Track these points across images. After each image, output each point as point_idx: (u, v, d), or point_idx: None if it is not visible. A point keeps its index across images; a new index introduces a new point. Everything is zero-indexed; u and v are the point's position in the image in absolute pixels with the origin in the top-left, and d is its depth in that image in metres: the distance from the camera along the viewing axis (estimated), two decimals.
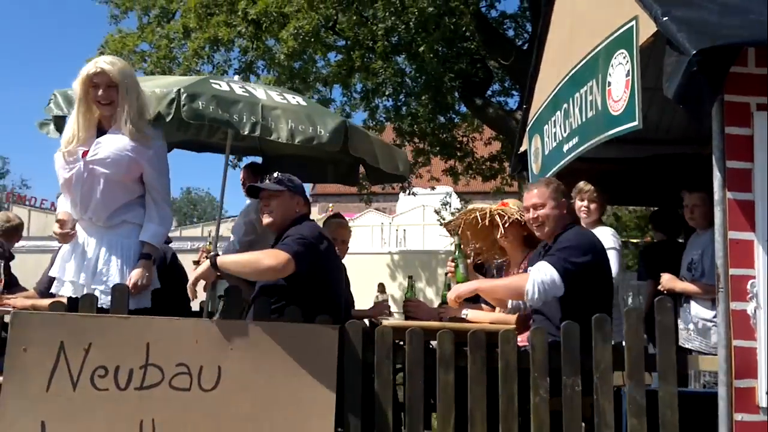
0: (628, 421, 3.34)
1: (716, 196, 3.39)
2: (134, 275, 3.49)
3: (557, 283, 3.50)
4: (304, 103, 4.16)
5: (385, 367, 3.38)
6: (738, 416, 3.27)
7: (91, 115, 3.57)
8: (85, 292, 3.46)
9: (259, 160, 5.67)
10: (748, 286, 3.33)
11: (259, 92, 4.17)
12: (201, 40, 12.60)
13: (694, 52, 3.13)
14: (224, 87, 4.11)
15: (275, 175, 3.67)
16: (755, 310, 3.32)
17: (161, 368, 3.31)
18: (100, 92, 3.51)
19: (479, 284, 3.79)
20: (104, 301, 3.52)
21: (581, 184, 4.99)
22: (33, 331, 3.31)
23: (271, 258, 3.34)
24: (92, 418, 3.26)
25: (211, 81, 4.18)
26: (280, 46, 12.13)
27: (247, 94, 4.10)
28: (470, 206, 4.54)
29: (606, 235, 4.56)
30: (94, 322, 3.37)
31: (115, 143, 3.55)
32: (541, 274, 3.51)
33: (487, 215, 4.09)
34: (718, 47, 3.13)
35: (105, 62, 3.55)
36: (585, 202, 4.85)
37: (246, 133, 3.91)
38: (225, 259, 3.40)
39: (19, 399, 3.25)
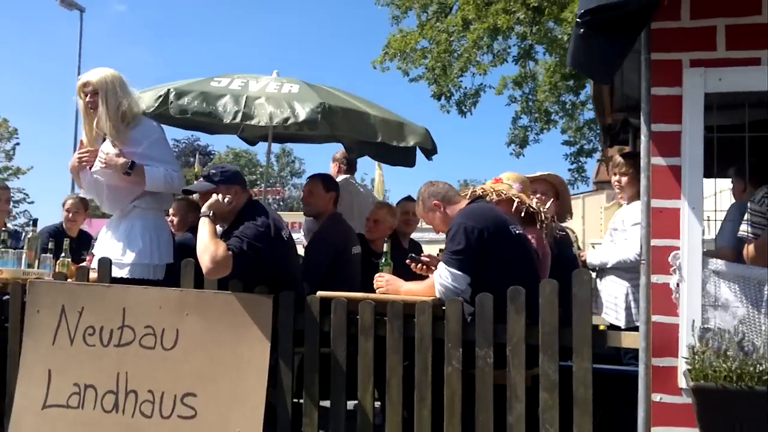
0: (540, 395, 3.21)
1: (642, 162, 3.10)
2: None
3: (459, 276, 3.36)
4: (295, 92, 4.39)
5: (312, 334, 3.57)
6: (657, 397, 2.98)
7: (92, 122, 4.06)
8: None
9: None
10: (671, 258, 3.03)
11: (255, 86, 4.45)
12: (480, 30, 12.35)
13: (581, 12, 2.90)
14: (221, 84, 4.47)
15: (206, 171, 3.95)
16: (678, 284, 3.01)
17: (133, 329, 3.78)
18: (87, 99, 3.99)
19: (404, 290, 3.64)
20: (125, 273, 4.11)
21: (616, 157, 4.65)
22: (43, 297, 3.95)
23: (212, 264, 3.45)
24: (84, 368, 3.81)
25: (213, 79, 4.57)
26: (563, 28, 11.49)
27: (238, 88, 4.38)
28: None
29: (635, 211, 4.26)
30: (85, 290, 3.92)
31: (107, 152, 3.99)
32: (440, 278, 3.40)
33: (476, 192, 4.05)
34: (604, 6, 2.86)
35: (89, 73, 3.99)
36: (617, 177, 4.52)
37: (228, 121, 4.23)
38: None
39: (34, 351, 3.91)
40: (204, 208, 3.67)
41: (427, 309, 3.32)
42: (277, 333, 3.53)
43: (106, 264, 3.87)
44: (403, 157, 5.58)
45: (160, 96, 4.27)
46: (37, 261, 4.38)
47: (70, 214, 5.57)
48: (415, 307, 3.33)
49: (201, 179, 3.93)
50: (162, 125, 4.31)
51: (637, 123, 4.35)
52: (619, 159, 4.53)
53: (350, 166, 6.01)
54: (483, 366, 3.23)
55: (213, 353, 3.60)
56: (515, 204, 3.77)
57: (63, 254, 4.39)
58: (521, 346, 3.18)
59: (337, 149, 6.11)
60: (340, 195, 5.52)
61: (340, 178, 5.96)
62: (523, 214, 3.87)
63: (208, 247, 3.52)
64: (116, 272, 4.04)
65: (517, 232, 3.53)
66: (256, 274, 3.59)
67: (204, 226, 3.59)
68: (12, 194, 6.20)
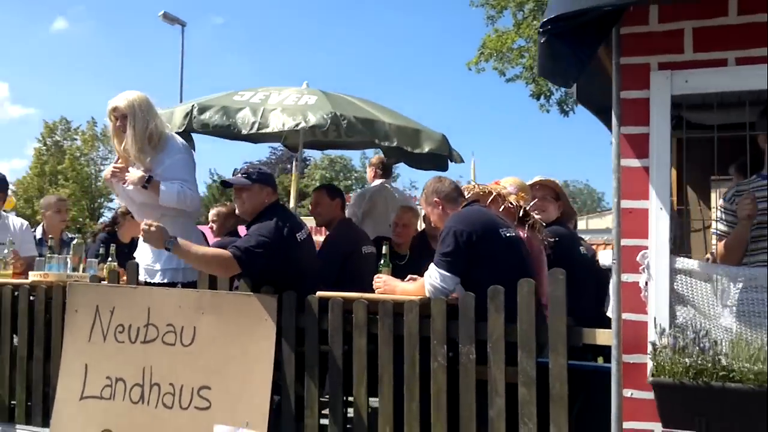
0: (519, 390, 3.32)
1: (612, 163, 3.17)
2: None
3: (448, 277, 3.48)
4: (311, 103, 4.61)
5: (312, 331, 3.79)
6: (627, 392, 3.05)
7: (122, 142, 4.33)
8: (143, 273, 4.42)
9: None
10: (639, 257, 3.08)
11: (275, 98, 4.69)
12: None
13: (543, 22, 3.01)
14: (243, 97, 4.74)
15: (245, 168, 4.22)
16: (646, 283, 3.07)
17: (157, 327, 4.10)
18: (117, 123, 4.33)
19: (399, 290, 3.76)
20: (158, 278, 4.47)
21: None
22: (80, 297, 4.33)
23: (216, 265, 3.80)
24: (114, 363, 4.16)
25: (237, 93, 4.85)
26: None
27: (258, 101, 4.65)
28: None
29: None
30: (116, 291, 4.27)
31: (134, 174, 4.32)
32: (430, 278, 3.52)
33: (473, 191, 4.19)
34: (564, 15, 2.96)
35: (117, 98, 4.29)
36: None
37: (246, 132, 4.52)
38: (182, 244, 3.82)
39: (72, 347, 4.29)
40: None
41: (414, 308, 3.49)
42: (281, 331, 3.78)
43: (133, 267, 4.21)
44: (436, 164, 5.74)
45: (186, 113, 4.60)
46: (82, 265, 4.78)
47: (120, 222, 6.00)
48: (404, 307, 3.51)
49: (239, 175, 4.21)
50: (193, 141, 4.64)
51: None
52: None
53: (386, 171, 6.21)
54: (466, 362, 3.37)
55: (225, 349, 3.88)
56: (499, 202, 3.90)
57: (110, 259, 4.78)
58: (501, 343, 3.31)
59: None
60: (375, 199, 5.74)
61: (375, 183, 6.18)
62: (519, 216, 4.00)
63: (208, 256, 3.86)
64: (151, 278, 4.39)
65: (508, 234, 3.64)
66: (267, 270, 3.86)
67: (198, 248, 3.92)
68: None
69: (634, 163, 3.10)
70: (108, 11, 70.05)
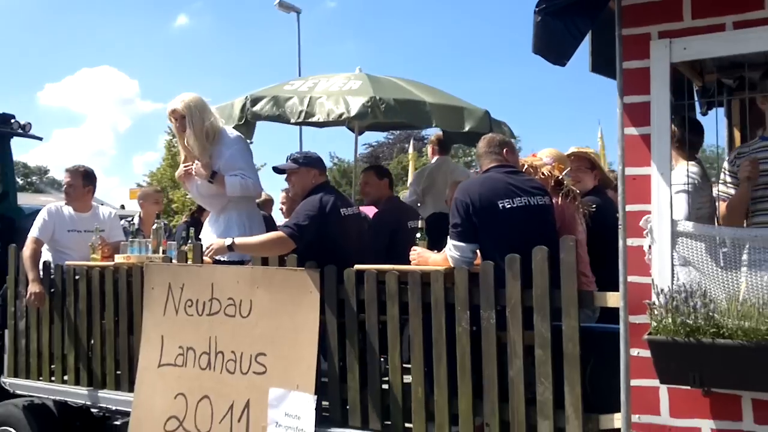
0: (535, 351, 3.49)
1: (617, 133, 3.28)
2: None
3: (462, 246, 3.67)
4: (355, 88, 4.88)
5: (350, 301, 4.09)
6: (634, 351, 3.18)
7: (183, 141, 4.82)
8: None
9: None
10: (642, 222, 3.19)
11: (323, 85, 5.00)
12: None
13: (538, 1, 3.15)
14: (293, 86, 5.06)
15: (293, 154, 4.56)
16: (650, 246, 3.17)
17: (219, 301, 4.52)
18: (177, 124, 4.78)
19: (431, 261, 3.94)
20: (225, 256, 4.91)
21: None
22: (155, 276, 4.82)
23: (275, 246, 4.24)
24: (185, 333, 4.62)
25: (288, 83, 5.18)
26: None
27: (306, 90, 4.97)
28: None
29: (677, 178, 4.33)
30: (184, 269, 4.73)
31: (200, 170, 4.79)
32: (448, 250, 3.73)
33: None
34: None
35: (175, 101, 4.74)
36: None
37: (294, 121, 4.85)
38: (239, 243, 4.34)
39: (150, 320, 4.79)
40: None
41: (440, 277, 3.73)
42: (324, 302, 4.12)
43: (198, 248, 4.66)
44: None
45: (242, 105, 5.00)
46: (162, 248, 5.29)
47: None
48: (430, 276, 3.77)
49: (289, 161, 4.60)
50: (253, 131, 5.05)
51: (729, 83, 4.35)
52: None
53: (443, 148, 6.44)
54: (487, 327, 3.58)
55: (277, 320, 4.25)
56: (531, 173, 4.06)
57: (189, 241, 5.28)
58: (518, 307, 3.49)
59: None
60: (434, 176, 5.98)
61: (434, 159, 6.42)
62: (552, 186, 4.16)
63: (263, 241, 4.36)
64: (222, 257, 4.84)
65: (508, 206, 3.74)
66: (314, 241, 4.22)
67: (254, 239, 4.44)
68: None
69: (636, 131, 3.21)
70: (226, 4, 73.04)
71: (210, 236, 4.87)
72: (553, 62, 3.27)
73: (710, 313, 2.81)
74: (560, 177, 4.14)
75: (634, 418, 3.14)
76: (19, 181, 50.91)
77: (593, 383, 3.36)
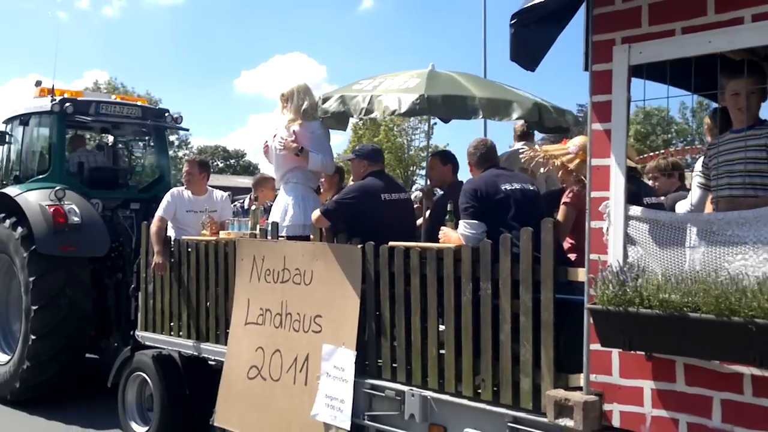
0: (519, 317, 4.03)
1: (588, 128, 3.75)
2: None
3: (476, 225, 4.31)
4: (411, 85, 5.50)
5: (383, 273, 4.78)
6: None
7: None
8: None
9: None
10: (602, 207, 3.63)
11: (387, 83, 5.67)
12: None
13: (512, 15, 3.68)
14: (361, 86, 5.77)
15: (357, 147, 5.34)
16: (607, 228, 3.62)
17: (289, 270, 5.39)
18: (282, 105, 5.79)
19: (454, 239, 4.53)
20: (284, 232, 5.80)
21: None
22: (244, 249, 5.79)
23: (317, 222, 5.14)
24: (264, 297, 5.54)
25: (358, 82, 5.91)
26: None
27: (370, 88, 5.66)
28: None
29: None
30: (264, 244, 5.64)
31: (285, 138, 5.79)
32: (460, 229, 4.38)
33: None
34: (523, 10, 3.60)
35: (284, 87, 5.81)
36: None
37: (357, 117, 5.58)
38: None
39: (240, 286, 5.78)
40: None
41: (450, 253, 4.36)
42: (365, 273, 4.89)
43: (274, 226, 5.60)
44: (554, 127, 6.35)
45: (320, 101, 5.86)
46: (259, 227, 6.29)
47: None
48: (443, 252, 4.42)
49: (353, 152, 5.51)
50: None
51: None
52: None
53: (523, 135, 6.96)
54: (484, 296, 4.18)
55: (330, 287, 5.07)
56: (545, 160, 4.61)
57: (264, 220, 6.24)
58: (508, 280, 4.07)
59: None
60: (510, 162, 6.55)
61: (516, 145, 6.96)
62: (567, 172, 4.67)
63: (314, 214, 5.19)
64: (282, 233, 5.76)
65: (508, 188, 4.45)
66: (353, 218, 5.03)
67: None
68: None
69: (601, 126, 3.68)
70: None
71: (276, 212, 5.81)
72: (525, 68, 3.81)
73: (638, 288, 3.27)
74: (571, 167, 4.61)
75: (592, 377, 3.64)
76: (219, 164, 55.81)
77: (566, 347, 3.88)
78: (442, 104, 5.28)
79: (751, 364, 3.02)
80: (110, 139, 10.94)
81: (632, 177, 4.94)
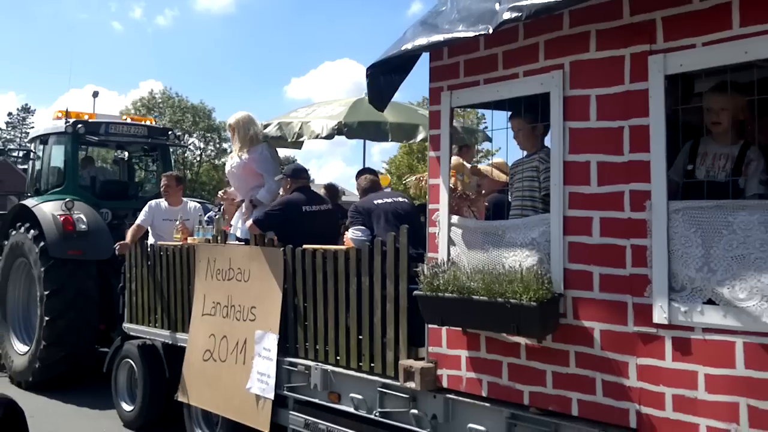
0: (386, 305, 5.18)
1: (428, 156, 4.88)
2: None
3: (357, 229, 5.57)
4: (335, 113, 6.67)
5: (299, 270, 5.97)
6: None
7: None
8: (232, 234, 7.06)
9: None
10: (434, 216, 4.76)
11: (317, 111, 6.86)
12: None
13: (368, 66, 4.84)
14: (297, 113, 6.97)
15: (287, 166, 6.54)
16: (438, 233, 4.75)
17: (233, 270, 6.64)
18: (232, 133, 6.99)
19: (348, 243, 5.86)
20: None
21: None
22: (201, 252, 7.02)
23: (251, 228, 6.27)
24: (216, 293, 6.76)
25: (295, 111, 7.10)
26: None
27: (302, 116, 6.83)
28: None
29: None
30: (215, 248, 6.88)
31: (235, 160, 7.03)
32: (351, 234, 5.60)
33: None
34: (377, 63, 4.76)
35: (230, 119, 6.98)
36: None
37: (290, 140, 6.78)
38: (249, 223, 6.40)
39: (198, 284, 7.02)
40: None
41: (342, 254, 5.56)
42: (285, 271, 6.10)
43: (223, 234, 6.86)
44: None
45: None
46: (222, 235, 7.54)
47: None
48: (334, 253, 5.61)
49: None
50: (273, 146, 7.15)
51: None
52: None
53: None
54: (364, 288, 5.36)
55: (262, 283, 6.29)
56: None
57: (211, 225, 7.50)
58: (378, 275, 5.23)
59: None
60: None
61: None
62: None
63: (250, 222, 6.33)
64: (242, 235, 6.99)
65: (380, 202, 5.61)
66: (281, 228, 6.22)
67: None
68: None
69: (434, 154, 4.83)
70: None
71: (237, 217, 7.05)
72: (378, 108, 4.98)
73: (445, 277, 4.40)
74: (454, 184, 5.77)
75: (430, 349, 4.78)
76: None
77: (420, 327, 5.01)
78: (357, 129, 6.46)
79: (512, 333, 4.12)
80: (125, 155, 12.37)
81: (503, 190, 6.06)
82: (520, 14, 3.80)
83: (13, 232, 10.47)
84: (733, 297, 3.32)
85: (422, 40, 4.38)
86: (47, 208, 10.00)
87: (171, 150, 12.39)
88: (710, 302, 3.44)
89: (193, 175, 52.45)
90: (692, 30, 3.52)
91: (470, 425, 4.47)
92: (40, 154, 11.55)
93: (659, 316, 3.57)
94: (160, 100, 56.00)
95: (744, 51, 3.35)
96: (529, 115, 4.43)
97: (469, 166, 6.36)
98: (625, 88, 3.76)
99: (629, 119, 3.73)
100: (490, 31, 3.93)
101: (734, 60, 3.41)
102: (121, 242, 7.96)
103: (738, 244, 3.34)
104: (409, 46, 4.46)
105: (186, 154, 51.25)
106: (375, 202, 5.59)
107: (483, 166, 6.15)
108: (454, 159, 5.99)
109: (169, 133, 11.73)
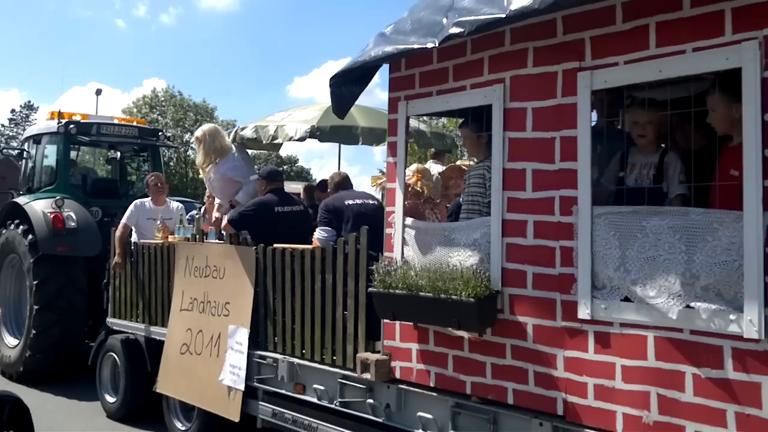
0: (348, 302, 5.52)
1: (385, 161, 5.23)
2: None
3: (323, 230, 5.89)
4: (308, 117, 7.00)
5: (270, 268, 6.32)
6: None
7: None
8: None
9: None
10: (390, 218, 5.10)
11: (293, 116, 7.21)
12: None
13: (330, 77, 5.19)
14: (274, 117, 7.32)
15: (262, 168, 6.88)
16: (393, 234, 5.09)
17: (210, 267, 6.97)
18: (197, 146, 7.37)
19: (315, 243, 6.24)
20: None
21: None
22: (180, 250, 7.37)
23: (223, 225, 6.64)
24: (193, 288, 7.09)
25: (271, 114, 7.45)
26: None
27: (278, 119, 7.18)
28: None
29: None
30: (193, 246, 7.22)
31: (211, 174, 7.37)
32: (317, 234, 5.89)
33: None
34: (339, 73, 5.10)
35: (197, 131, 7.35)
36: None
37: (265, 142, 7.12)
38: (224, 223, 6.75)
39: (178, 280, 7.36)
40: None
41: (308, 253, 5.91)
42: (257, 268, 6.44)
43: (201, 233, 7.20)
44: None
45: (233, 133, 7.43)
46: (200, 233, 7.88)
47: None
48: (302, 252, 5.95)
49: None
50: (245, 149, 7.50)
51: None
52: None
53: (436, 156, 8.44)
54: (328, 285, 5.70)
55: (235, 280, 6.62)
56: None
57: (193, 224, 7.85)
58: (341, 273, 5.57)
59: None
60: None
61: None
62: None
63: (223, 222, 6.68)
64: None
65: (350, 203, 5.91)
66: (254, 227, 6.55)
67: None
68: None
69: (392, 160, 5.16)
70: None
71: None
72: (339, 116, 5.32)
73: (396, 275, 4.74)
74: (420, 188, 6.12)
75: (386, 343, 5.11)
76: None
77: (377, 322, 5.34)
78: (330, 132, 6.81)
79: (455, 327, 4.45)
80: (117, 154, 12.71)
81: None
82: (463, 30, 4.13)
83: (4, 230, 10.82)
84: (644, 295, 3.64)
85: (378, 51, 4.71)
86: (38, 206, 10.34)
87: (161, 150, 12.72)
88: (627, 299, 3.75)
89: (194, 173, 52.77)
90: (616, 49, 3.84)
91: (419, 413, 4.79)
92: (33, 153, 11.87)
93: (583, 312, 3.89)
94: (162, 99, 56.35)
95: (659, 69, 3.67)
96: (476, 124, 4.75)
97: (438, 171, 6.68)
98: (557, 101, 4.07)
99: (560, 130, 4.05)
100: (437, 44, 4.26)
101: (650, 77, 3.73)
102: (116, 261, 8.25)
103: (650, 247, 3.66)
104: (366, 57, 4.79)
105: (188, 153, 51.56)
106: (346, 202, 5.93)
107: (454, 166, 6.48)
108: (420, 165, 6.33)
109: (159, 134, 12.06)
